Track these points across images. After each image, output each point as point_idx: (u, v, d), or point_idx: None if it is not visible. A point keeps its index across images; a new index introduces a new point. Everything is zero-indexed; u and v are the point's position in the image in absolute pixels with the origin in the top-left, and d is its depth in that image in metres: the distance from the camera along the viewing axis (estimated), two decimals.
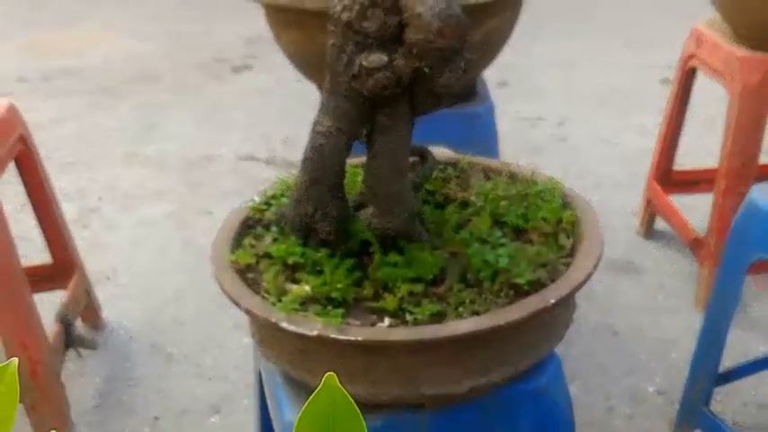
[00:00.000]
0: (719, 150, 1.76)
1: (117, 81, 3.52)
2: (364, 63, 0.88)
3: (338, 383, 0.39)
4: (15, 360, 0.41)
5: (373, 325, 0.88)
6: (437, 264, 0.94)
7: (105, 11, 4.67)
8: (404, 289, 0.91)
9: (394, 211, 0.95)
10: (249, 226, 1.08)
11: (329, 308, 0.89)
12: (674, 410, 1.52)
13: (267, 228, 1.06)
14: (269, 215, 1.08)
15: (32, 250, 2.15)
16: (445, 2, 0.87)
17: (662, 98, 2.15)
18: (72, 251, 1.78)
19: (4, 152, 1.46)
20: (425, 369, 0.88)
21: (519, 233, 1.03)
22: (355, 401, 0.91)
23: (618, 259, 2.05)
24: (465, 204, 1.08)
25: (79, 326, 1.81)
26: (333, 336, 0.84)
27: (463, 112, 1.66)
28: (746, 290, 1.83)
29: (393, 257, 0.94)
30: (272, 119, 3.06)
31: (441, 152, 1.21)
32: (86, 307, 1.82)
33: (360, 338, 0.84)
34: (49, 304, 1.83)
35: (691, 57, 1.86)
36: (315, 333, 0.85)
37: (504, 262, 0.93)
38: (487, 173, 1.17)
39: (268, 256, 0.99)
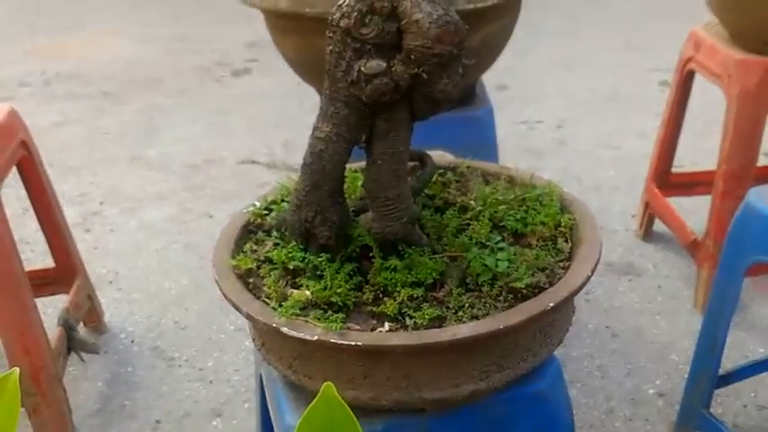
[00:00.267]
0: (717, 153, 1.77)
1: (119, 85, 3.53)
2: (363, 69, 0.89)
3: (336, 393, 0.40)
4: (17, 370, 0.42)
5: (373, 329, 0.89)
6: (437, 268, 0.95)
7: (107, 16, 4.68)
8: (404, 293, 0.92)
9: (393, 216, 0.95)
10: (250, 231, 1.08)
11: (329, 312, 0.90)
12: (675, 412, 1.52)
13: (268, 233, 1.07)
14: (269, 220, 1.09)
15: (35, 254, 2.16)
16: (443, 8, 0.88)
17: (661, 101, 2.16)
18: (74, 255, 1.78)
19: (5, 158, 1.47)
20: (425, 373, 0.88)
21: (518, 237, 1.04)
22: (356, 406, 0.92)
23: (617, 262, 2.05)
24: (464, 209, 1.08)
25: (81, 330, 1.81)
26: (333, 340, 0.85)
27: (463, 115, 1.67)
28: (745, 292, 1.83)
29: (393, 262, 0.95)
30: (272, 122, 3.07)
31: (440, 156, 1.22)
32: (88, 311, 1.83)
33: (360, 343, 0.85)
34: (51, 308, 1.85)
35: (689, 60, 1.87)
36: (315, 338, 0.86)
37: (503, 266, 0.94)
38: (486, 177, 1.17)
39: (269, 260, 1.00)
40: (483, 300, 0.91)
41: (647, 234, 2.15)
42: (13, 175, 1.57)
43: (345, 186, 0.99)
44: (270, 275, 0.96)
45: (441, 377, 0.88)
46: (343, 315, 0.89)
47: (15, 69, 3.76)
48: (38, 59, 3.92)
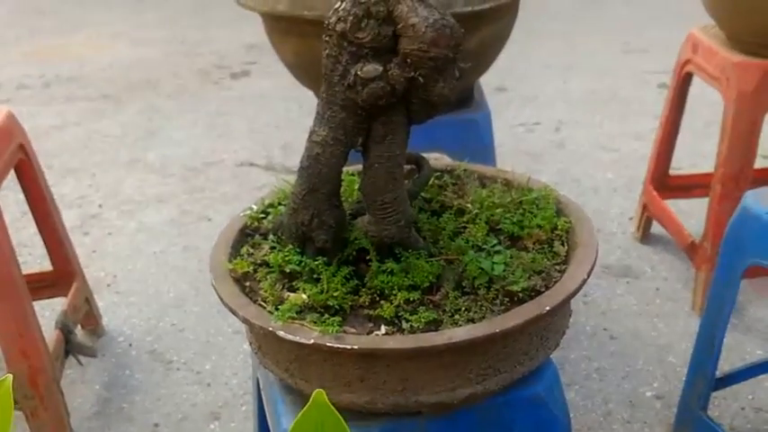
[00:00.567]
0: (715, 155, 1.77)
1: (118, 87, 3.54)
2: (359, 73, 0.89)
3: (326, 400, 0.40)
4: (10, 377, 0.42)
5: (370, 333, 0.89)
6: (433, 271, 0.95)
7: (107, 18, 4.69)
8: (400, 297, 0.92)
9: (390, 219, 0.96)
10: (247, 234, 1.08)
11: (326, 316, 0.90)
12: (672, 415, 1.53)
13: (265, 236, 1.07)
14: (266, 224, 1.09)
15: (33, 257, 2.16)
16: (439, 12, 0.89)
17: (659, 103, 2.16)
18: (72, 259, 1.79)
19: (3, 161, 1.47)
20: (422, 377, 0.88)
21: (514, 240, 1.04)
22: (352, 409, 0.92)
23: (615, 264, 2.05)
24: (461, 212, 1.08)
25: (79, 333, 1.81)
26: (329, 344, 0.85)
27: (460, 119, 1.68)
28: (743, 294, 1.83)
29: (389, 265, 0.95)
30: (271, 125, 3.08)
31: (438, 159, 1.22)
32: (86, 314, 1.83)
33: (356, 347, 0.85)
34: (49, 311, 1.85)
35: (686, 62, 1.87)
36: (311, 341, 0.86)
37: (499, 269, 0.94)
38: (483, 180, 1.17)
39: (265, 264, 1.00)
40: (479, 303, 0.91)
41: (645, 236, 2.15)
42: (11, 179, 1.57)
43: (342, 190, 1.00)
44: (266, 279, 0.96)
45: (437, 381, 0.89)
46: (340, 318, 0.90)
47: (14, 71, 3.77)
48: (37, 62, 3.92)
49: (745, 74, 1.66)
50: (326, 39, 0.91)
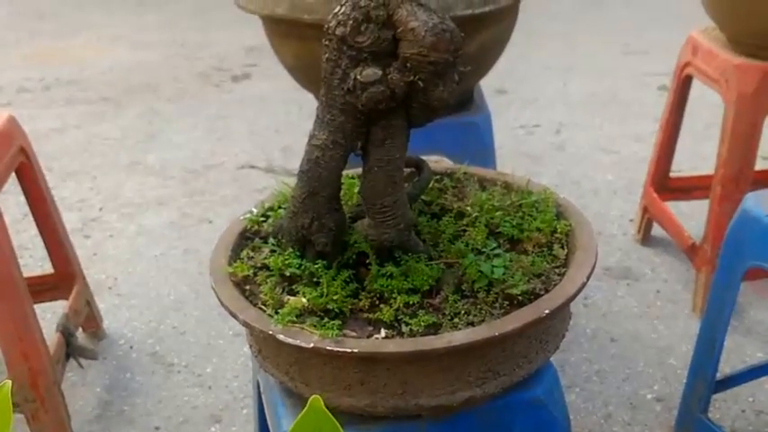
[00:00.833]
0: (715, 157, 1.77)
1: (118, 90, 3.54)
2: (359, 77, 0.89)
3: (323, 406, 0.40)
4: (8, 383, 0.42)
5: (369, 336, 0.89)
6: (433, 275, 0.95)
7: (106, 21, 4.69)
8: (400, 300, 0.92)
9: (390, 223, 0.96)
10: (247, 238, 1.09)
11: (326, 319, 0.90)
12: (673, 417, 1.53)
13: (265, 240, 1.07)
14: (266, 227, 1.09)
15: (33, 260, 2.16)
16: (438, 16, 0.89)
17: (659, 105, 2.16)
18: (73, 261, 1.79)
19: (4, 164, 1.47)
20: (421, 380, 0.88)
21: (514, 243, 1.04)
22: (352, 412, 0.92)
23: (615, 266, 2.05)
24: (461, 215, 1.08)
25: (80, 336, 1.81)
26: (329, 348, 0.85)
27: (460, 121, 1.68)
28: (743, 296, 1.83)
29: (389, 269, 0.95)
30: (271, 127, 3.08)
31: (437, 162, 1.22)
32: (87, 317, 1.83)
33: (356, 350, 0.85)
34: (49, 314, 1.85)
35: (686, 64, 1.87)
36: (311, 345, 0.86)
37: (499, 272, 0.94)
38: (483, 183, 1.18)
39: (265, 267, 1.00)
40: (479, 306, 0.91)
41: (646, 238, 2.15)
42: (12, 181, 1.58)
43: (342, 193, 1.00)
44: (266, 282, 0.97)
45: (437, 384, 0.89)
46: (340, 322, 0.90)
47: (14, 75, 3.77)
48: (37, 65, 3.92)
49: (745, 76, 1.66)
50: (326, 43, 0.91)
